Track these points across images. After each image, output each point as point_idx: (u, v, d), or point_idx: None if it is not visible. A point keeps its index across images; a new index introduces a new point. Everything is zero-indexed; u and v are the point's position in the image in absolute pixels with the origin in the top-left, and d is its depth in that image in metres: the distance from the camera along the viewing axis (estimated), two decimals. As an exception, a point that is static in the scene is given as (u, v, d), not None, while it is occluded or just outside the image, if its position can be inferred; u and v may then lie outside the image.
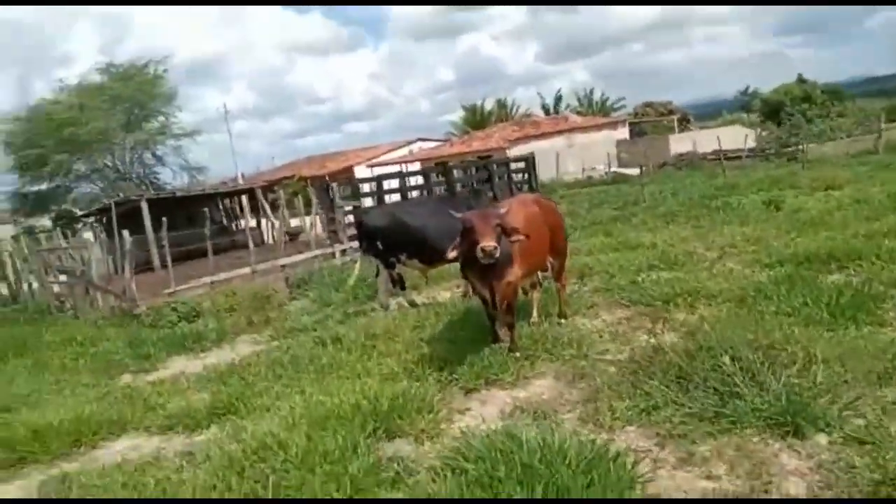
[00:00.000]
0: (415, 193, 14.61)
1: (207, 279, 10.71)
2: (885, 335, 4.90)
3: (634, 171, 30.79)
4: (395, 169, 31.43)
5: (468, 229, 5.17)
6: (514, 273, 5.51)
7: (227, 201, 25.84)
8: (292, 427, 4.59)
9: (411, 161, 42.76)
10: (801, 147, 23.26)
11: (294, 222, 25.65)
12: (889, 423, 3.52)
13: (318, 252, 12.71)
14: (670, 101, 60.30)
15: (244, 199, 29.76)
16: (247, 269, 11.47)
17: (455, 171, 15.38)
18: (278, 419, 4.88)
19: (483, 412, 4.69)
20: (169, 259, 11.21)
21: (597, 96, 57.84)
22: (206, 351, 8.25)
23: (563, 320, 6.57)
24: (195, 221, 21.44)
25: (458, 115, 60.17)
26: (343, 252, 12.76)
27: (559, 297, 6.71)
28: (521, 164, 16.94)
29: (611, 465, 3.34)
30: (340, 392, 5.12)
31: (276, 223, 21.44)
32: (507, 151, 35.86)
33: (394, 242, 8.01)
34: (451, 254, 5.41)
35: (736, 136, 40.50)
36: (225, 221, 23.65)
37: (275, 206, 22.98)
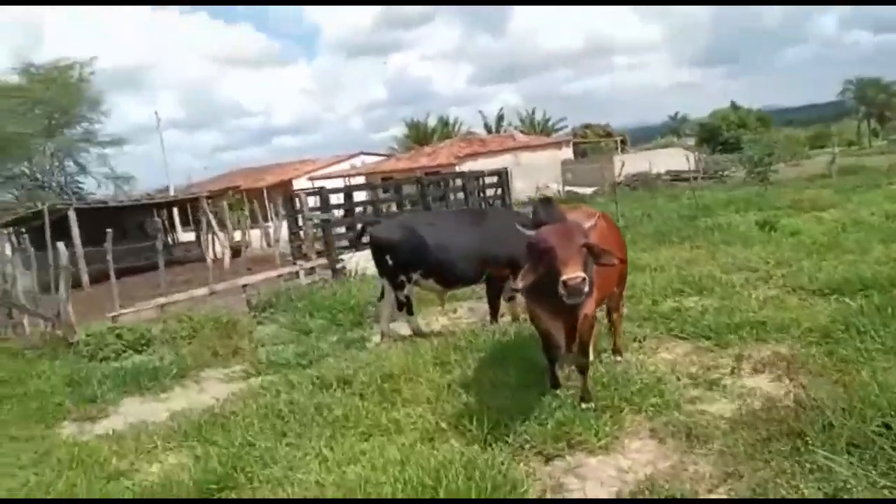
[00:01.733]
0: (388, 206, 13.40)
1: (160, 300, 9.16)
2: None
3: (588, 190, 30.56)
4: (339, 183, 30.03)
5: (544, 251, 4.03)
6: (592, 303, 4.43)
7: (162, 213, 23.87)
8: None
9: (354, 175, 41.38)
10: (775, 168, 23.30)
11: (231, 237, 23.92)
12: None
13: (286, 270, 11.30)
14: (608, 123, 61.54)
15: (175, 210, 27.80)
16: (203, 290, 9.95)
17: (430, 185, 14.30)
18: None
19: (588, 490, 3.56)
20: (113, 276, 9.59)
21: (538, 116, 58.14)
22: (168, 391, 6.78)
23: (619, 358, 5.54)
24: (128, 234, 19.52)
25: (399, 131, 59.37)
26: (311, 270, 11.40)
27: (615, 330, 5.65)
28: (495, 179, 16.02)
29: None
30: (382, 461, 3.90)
31: (221, 237, 19.82)
32: (456, 167, 35.10)
33: (407, 259, 6.83)
34: (520, 283, 4.24)
35: (678, 159, 41.37)
36: (161, 235, 21.65)
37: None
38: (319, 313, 9.17)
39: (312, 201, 12.96)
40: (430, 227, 6.96)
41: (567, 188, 31.61)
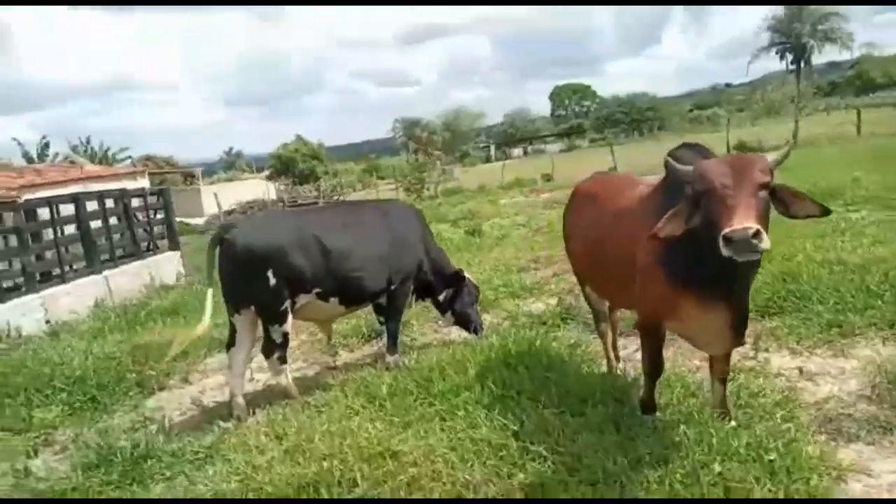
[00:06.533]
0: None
1: None
2: None
3: (199, 221, 28.03)
4: None
5: (702, 193, 2.72)
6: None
7: None
8: None
9: None
10: (429, 188, 24.42)
11: None
12: None
13: None
14: (171, 155, 58.05)
15: None
16: None
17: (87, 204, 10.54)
18: None
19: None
20: None
21: (95, 145, 51.13)
22: None
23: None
24: None
25: None
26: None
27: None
28: (155, 200, 12.81)
29: None
30: None
31: None
32: (17, 202, 28.18)
33: (305, 272, 4.49)
34: (663, 230, 2.84)
35: (259, 189, 40.32)
36: None
37: None
38: (17, 400, 5.63)
39: None
40: (324, 225, 4.75)
41: (181, 219, 28.25)
